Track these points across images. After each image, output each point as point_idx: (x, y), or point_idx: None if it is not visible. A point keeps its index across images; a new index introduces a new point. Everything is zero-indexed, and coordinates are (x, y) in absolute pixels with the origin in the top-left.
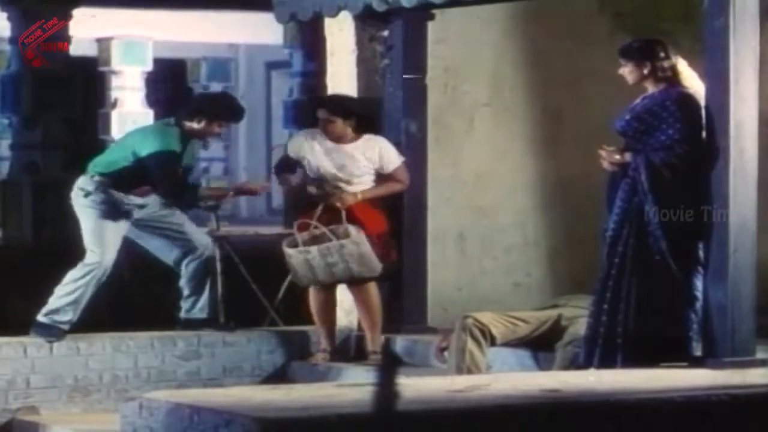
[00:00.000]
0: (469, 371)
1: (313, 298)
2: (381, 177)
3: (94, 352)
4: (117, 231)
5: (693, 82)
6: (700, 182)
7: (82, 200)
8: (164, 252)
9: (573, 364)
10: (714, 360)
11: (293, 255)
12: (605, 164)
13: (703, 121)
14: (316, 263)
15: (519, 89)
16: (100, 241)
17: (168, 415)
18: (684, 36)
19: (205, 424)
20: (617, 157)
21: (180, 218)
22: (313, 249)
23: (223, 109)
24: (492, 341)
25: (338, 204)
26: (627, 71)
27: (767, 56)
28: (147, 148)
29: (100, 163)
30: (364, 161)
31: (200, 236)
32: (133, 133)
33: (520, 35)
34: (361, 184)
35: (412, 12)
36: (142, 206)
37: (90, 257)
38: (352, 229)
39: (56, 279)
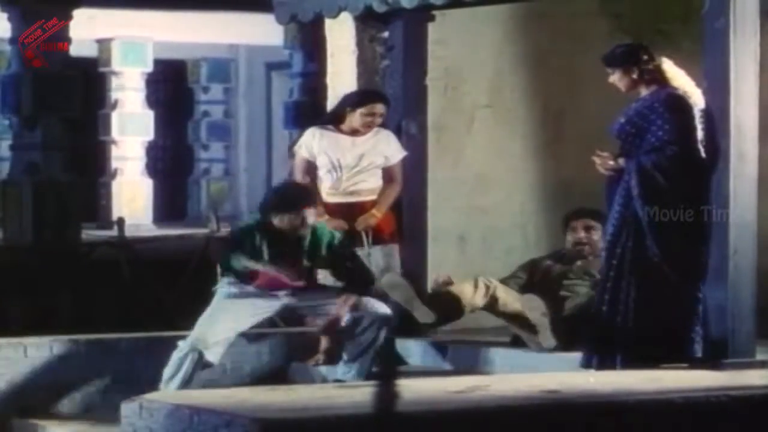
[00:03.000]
0: (448, 294)
1: None
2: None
3: (93, 352)
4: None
5: (681, 81)
6: (691, 183)
7: None
8: None
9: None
10: (714, 361)
11: None
12: (601, 170)
13: (694, 121)
14: None
15: (519, 90)
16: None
17: (168, 416)
18: (684, 37)
19: (205, 425)
20: (611, 163)
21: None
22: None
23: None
24: (491, 302)
25: (363, 227)
26: (617, 79)
27: (767, 57)
28: None
29: None
30: (378, 152)
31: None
32: None
33: (520, 36)
34: (374, 176)
35: (412, 13)
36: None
37: None
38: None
39: (56, 279)
